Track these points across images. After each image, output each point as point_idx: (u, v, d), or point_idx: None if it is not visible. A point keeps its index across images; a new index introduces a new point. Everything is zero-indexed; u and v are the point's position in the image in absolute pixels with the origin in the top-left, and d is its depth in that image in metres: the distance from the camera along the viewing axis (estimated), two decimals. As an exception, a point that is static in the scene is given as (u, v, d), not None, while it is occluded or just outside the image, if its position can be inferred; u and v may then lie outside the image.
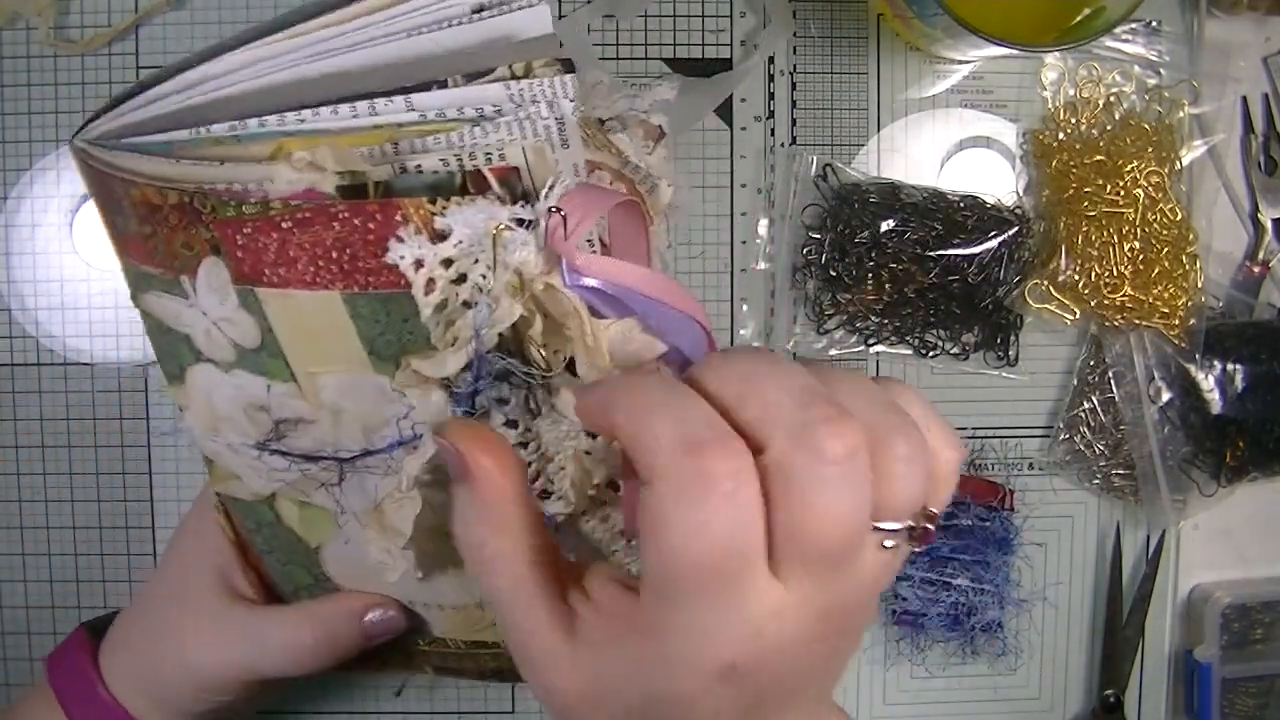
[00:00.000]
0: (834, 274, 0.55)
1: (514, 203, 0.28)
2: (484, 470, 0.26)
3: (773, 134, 0.56)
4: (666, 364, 0.32)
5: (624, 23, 0.55)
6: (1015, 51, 0.47)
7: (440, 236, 0.28)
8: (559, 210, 0.28)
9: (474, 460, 0.26)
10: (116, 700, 0.41)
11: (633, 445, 0.24)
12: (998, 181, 0.57)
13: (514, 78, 0.29)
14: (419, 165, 0.28)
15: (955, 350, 0.57)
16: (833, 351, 0.56)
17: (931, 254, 0.54)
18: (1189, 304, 0.55)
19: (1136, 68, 0.56)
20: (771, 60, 0.56)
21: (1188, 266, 0.55)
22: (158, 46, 0.54)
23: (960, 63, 0.56)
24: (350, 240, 0.29)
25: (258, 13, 0.55)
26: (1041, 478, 0.58)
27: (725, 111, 0.56)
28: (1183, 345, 0.55)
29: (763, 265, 0.56)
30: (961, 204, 0.55)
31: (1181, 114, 0.56)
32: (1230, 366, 0.55)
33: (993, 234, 0.55)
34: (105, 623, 0.44)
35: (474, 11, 0.29)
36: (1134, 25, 0.56)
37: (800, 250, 0.56)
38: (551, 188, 0.28)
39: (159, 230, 0.31)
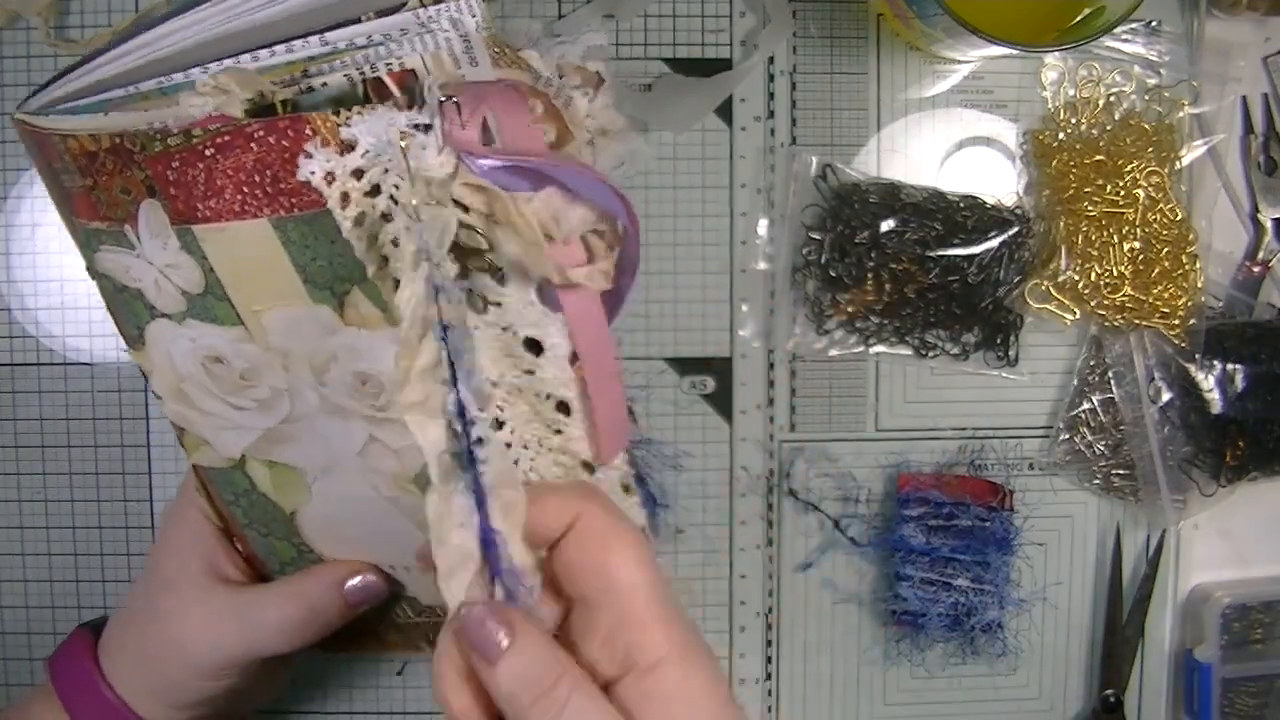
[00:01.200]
0: (834, 274, 0.55)
1: (412, 107, 0.30)
2: (525, 623, 0.29)
3: (773, 134, 0.56)
4: (600, 219, 0.33)
5: (624, 23, 0.55)
6: (1015, 51, 0.47)
7: (348, 147, 0.30)
8: (451, 99, 0.28)
9: (519, 622, 0.29)
10: (119, 697, 0.41)
11: None
12: (998, 181, 0.57)
13: (422, 5, 0.30)
14: (325, 82, 0.30)
15: (955, 350, 0.57)
16: (833, 351, 0.56)
17: (931, 254, 0.54)
18: (1189, 304, 0.55)
19: (1136, 68, 0.56)
20: (771, 60, 0.56)
21: (1188, 266, 0.55)
22: (158, 46, 0.54)
23: (960, 63, 0.56)
24: (269, 161, 0.30)
25: (258, 13, 0.55)
26: (1041, 478, 0.58)
27: (725, 111, 0.56)
28: (1183, 345, 0.55)
29: (763, 265, 0.56)
30: (961, 204, 0.55)
31: (1181, 114, 0.56)
32: (1230, 366, 0.55)
33: (993, 234, 0.55)
34: (103, 622, 0.44)
35: None
36: (1134, 25, 0.56)
37: (800, 250, 0.56)
38: (437, 84, 0.29)
39: (99, 179, 0.32)
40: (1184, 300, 0.55)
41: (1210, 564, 0.59)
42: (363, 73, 0.30)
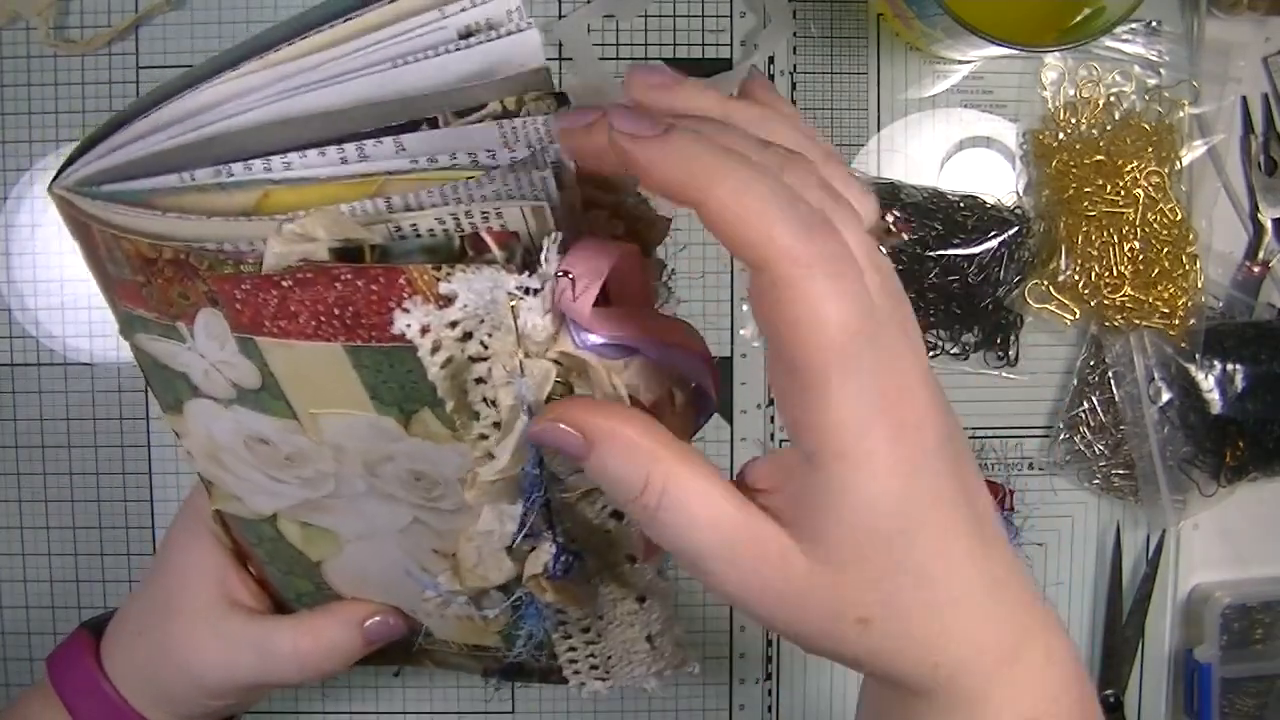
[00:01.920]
0: (834, 274, 0.55)
1: (518, 269, 0.28)
2: (612, 427, 0.26)
3: (773, 134, 0.56)
4: (687, 400, 0.31)
5: (624, 23, 0.55)
6: (1015, 51, 0.47)
7: (446, 301, 0.28)
8: (567, 274, 0.27)
9: (598, 424, 0.26)
10: (122, 696, 0.41)
11: (740, 230, 0.23)
12: (998, 181, 0.57)
13: (506, 114, 0.28)
14: (414, 224, 0.28)
15: (955, 350, 0.57)
16: (833, 351, 0.56)
17: (931, 254, 0.54)
18: (1189, 304, 0.55)
19: (1136, 68, 0.56)
20: (771, 60, 0.56)
21: (1188, 266, 0.55)
22: (158, 46, 0.54)
23: (960, 63, 0.56)
24: (353, 299, 0.28)
25: (257, 13, 0.55)
26: (1041, 478, 0.58)
27: (725, 111, 0.56)
28: (1183, 345, 0.55)
29: (763, 265, 0.56)
30: (961, 204, 0.55)
31: (1181, 114, 0.56)
32: (1230, 366, 0.55)
33: (993, 234, 0.55)
34: (103, 621, 0.44)
35: (461, 37, 0.28)
36: (1134, 25, 0.56)
37: (800, 250, 0.55)
38: (553, 247, 0.27)
39: (153, 280, 0.31)
40: (1184, 300, 0.55)
41: (1210, 564, 0.59)
42: (456, 217, 0.27)
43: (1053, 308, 0.56)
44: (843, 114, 0.56)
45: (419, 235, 0.28)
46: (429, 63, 0.28)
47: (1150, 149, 0.55)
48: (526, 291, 0.28)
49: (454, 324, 0.28)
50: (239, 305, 0.30)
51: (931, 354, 0.56)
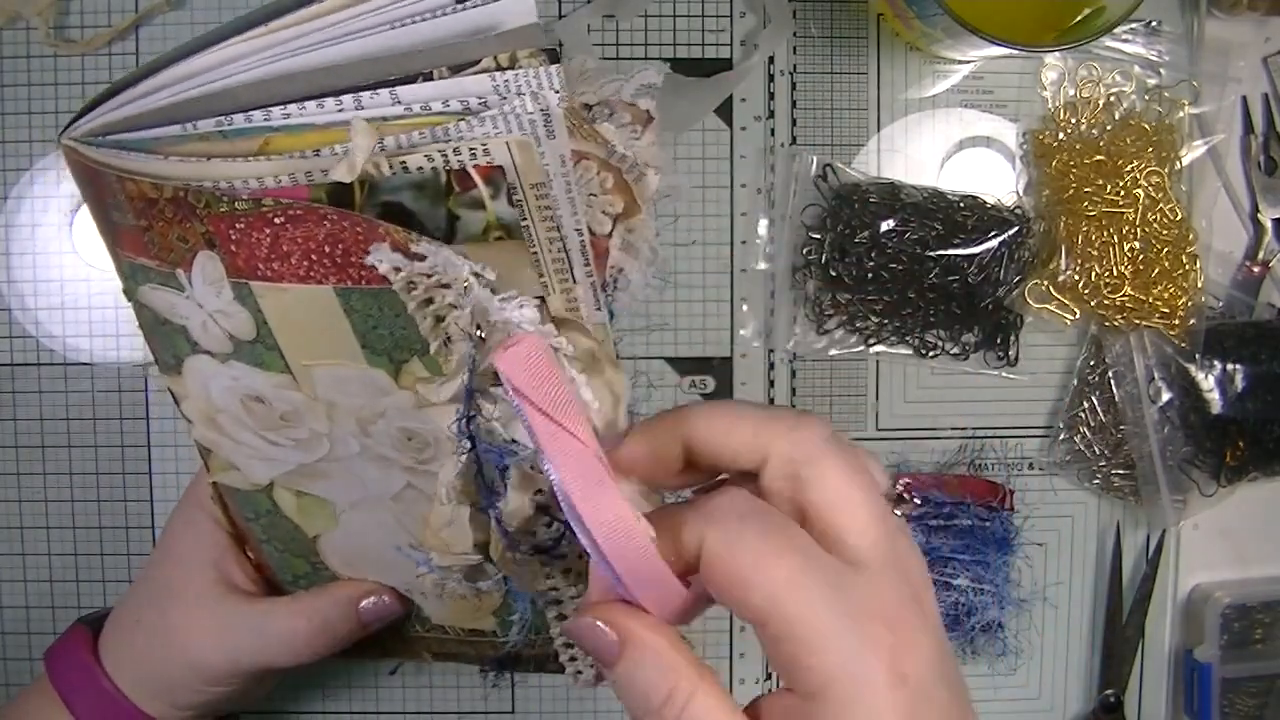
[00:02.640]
0: (834, 274, 0.55)
1: (508, 201, 0.29)
2: (645, 635, 0.27)
3: (773, 134, 0.56)
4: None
5: (624, 23, 0.55)
6: (1015, 51, 0.47)
7: (419, 258, 0.29)
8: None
9: (632, 628, 0.27)
10: (119, 690, 0.41)
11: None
12: (998, 181, 0.57)
13: (499, 69, 0.29)
14: (404, 163, 0.29)
15: (955, 350, 0.57)
16: (833, 351, 0.56)
17: (931, 254, 0.54)
18: (1189, 304, 0.55)
19: (1136, 68, 0.56)
20: (771, 60, 0.56)
21: (1188, 266, 0.55)
22: (158, 47, 0.54)
23: (960, 63, 0.56)
24: (342, 237, 0.29)
25: (258, 13, 0.55)
26: (1041, 478, 0.58)
27: (725, 111, 0.56)
28: (1183, 345, 0.55)
29: (763, 265, 0.56)
30: (961, 204, 0.55)
31: (1181, 114, 0.56)
32: (1230, 366, 0.55)
33: (993, 234, 0.55)
34: (101, 617, 0.44)
35: (457, 1, 0.29)
36: (1134, 25, 0.56)
37: (800, 250, 0.56)
38: (507, 306, 0.29)
39: (154, 224, 0.31)
40: (1184, 300, 0.55)
41: (1210, 564, 0.59)
42: (445, 155, 0.28)
43: (1053, 308, 0.56)
44: (843, 114, 0.56)
45: (408, 171, 0.29)
46: (426, 23, 0.29)
47: (1150, 149, 0.55)
48: (479, 278, 0.29)
49: (429, 275, 0.29)
50: (234, 246, 0.31)
51: (931, 354, 0.56)
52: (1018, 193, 0.57)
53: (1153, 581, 0.58)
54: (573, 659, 0.42)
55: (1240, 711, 0.58)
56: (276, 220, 0.30)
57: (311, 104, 0.29)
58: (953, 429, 0.57)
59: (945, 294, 0.55)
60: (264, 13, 0.30)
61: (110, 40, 0.54)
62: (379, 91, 0.28)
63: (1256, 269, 0.57)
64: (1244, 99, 0.57)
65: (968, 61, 0.56)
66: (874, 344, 0.56)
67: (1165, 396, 0.56)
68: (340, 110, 0.29)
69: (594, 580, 0.29)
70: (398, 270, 0.29)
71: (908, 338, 0.56)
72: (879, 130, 0.57)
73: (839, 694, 0.25)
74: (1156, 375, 0.56)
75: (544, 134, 0.28)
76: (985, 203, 0.56)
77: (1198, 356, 0.55)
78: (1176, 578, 0.59)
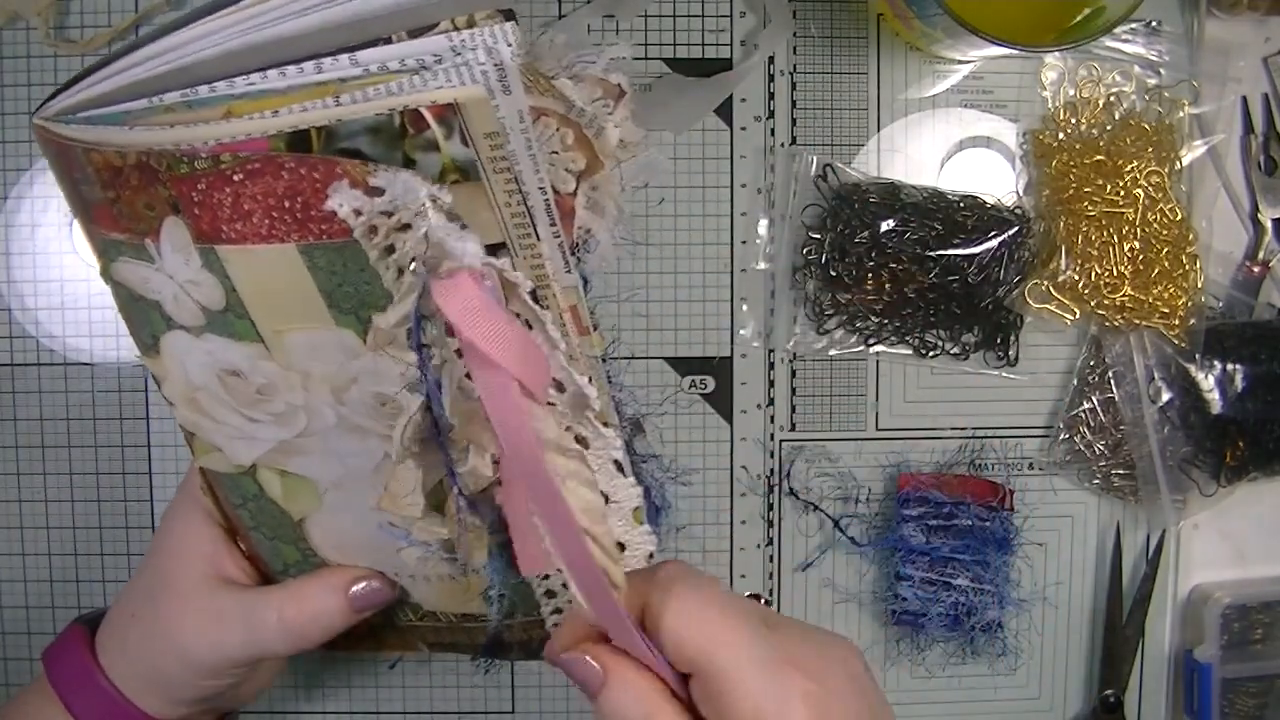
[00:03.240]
0: (834, 274, 0.55)
1: (461, 141, 0.29)
2: (627, 672, 0.31)
3: (773, 134, 0.56)
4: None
5: (624, 23, 0.55)
6: (1015, 51, 0.47)
7: (377, 191, 0.30)
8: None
9: (616, 665, 0.31)
10: (116, 689, 0.41)
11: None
12: (998, 181, 0.57)
13: (455, 29, 0.29)
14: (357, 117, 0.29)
15: (955, 350, 0.57)
16: (833, 351, 0.56)
17: (931, 254, 0.54)
18: (1189, 304, 0.55)
19: (1136, 68, 0.56)
20: (771, 60, 0.56)
21: (1188, 266, 0.55)
22: (158, 46, 0.54)
23: (960, 63, 0.56)
24: (300, 189, 0.30)
25: (258, 13, 0.55)
26: (1041, 478, 0.58)
27: (725, 111, 0.56)
28: (1183, 345, 0.55)
29: (763, 265, 0.56)
30: (961, 204, 0.55)
31: (1181, 114, 0.56)
32: (1230, 366, 0.55)
33: (993, 234, 0.55)
34: (98, 616, 0.44)
35: None
36: (1134, 25, 0.56)
37: (800, 250, 0.56)
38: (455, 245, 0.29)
39: (121, 193, 0.32)
40: (1184, 300, 0.55)
41: (1210, 564, 0.59)
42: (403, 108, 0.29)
43: (1053, 308, 0.56)
44: (843, 114, 0.56)
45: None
46: None
47: (1150, 149, 0.55)
48: (436, 203, 0.30)
49: (390, 213, 0.30)
50: (197, 210, 0.31)
51: (931, 354, 0.56)
52: (1018, 193, 0.57)
53: (1153, 581, 0.58)
54: None
55: (1240, 711, 0.58)
56: (235, 177, 0.30)
57: (273, 71, 0.30)
58: (953, 429, 0.57)
59: (945, 294, 0.55)
60: None
61: (110, 40, 0.54)
62: (339, 57, 0.30)
63: (1256, 269, 0.57)
64: (1244, 99, 0.57)
65: (968, 61, 0.56)
66: (874, 344, 0.56)
67: (1165, 396, 0.56)
68: (301, 74, 0.30)
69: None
70: (358, 213, 0.30)
71: (908, 338, 0.56)
72: (879, 130, 0.57)
73: None
74: (1156, 375, 0.56)
75: (499, 88, 0.29)
76: (985, 203, 0.56)
77: (1198, 356, 0.55)
78: (1176, 578, 0.59)
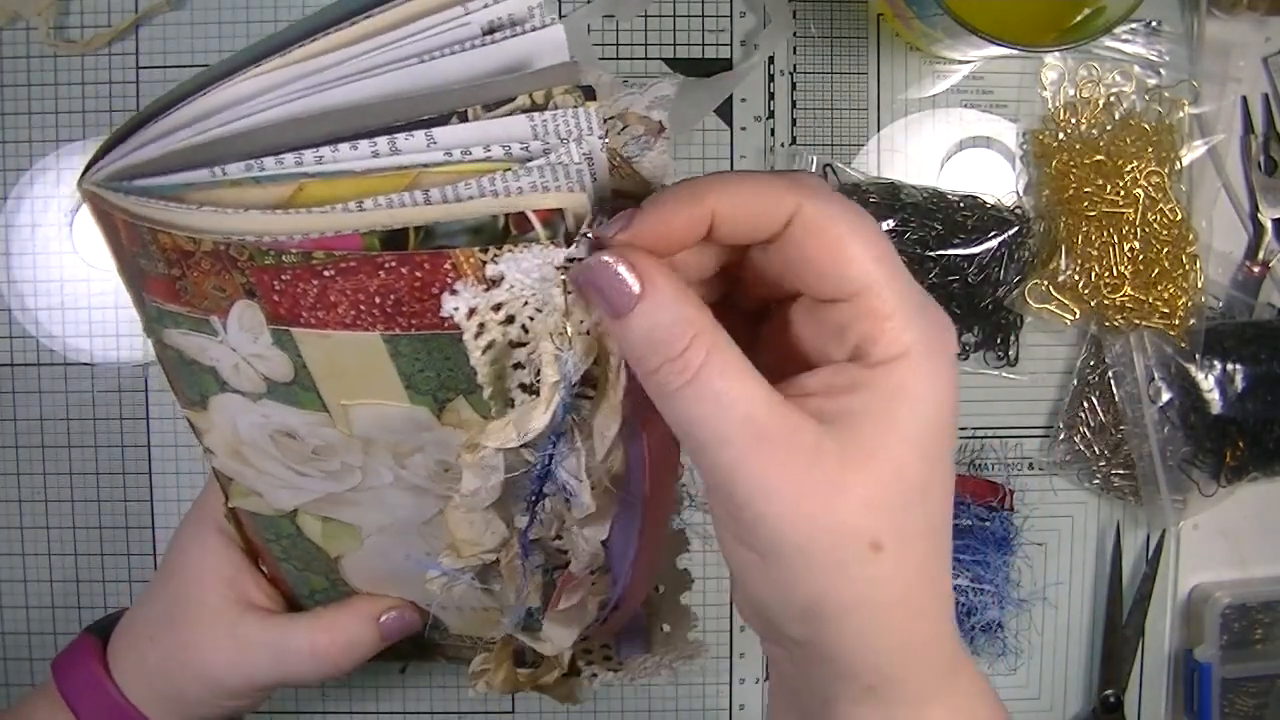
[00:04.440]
0: (834, 274, 0.55)
1: (566, 244, 0.28)
2: (668, 281, 0.26)
3: (773, 134, 0.56)
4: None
5: (624, 23, 0.55)
6: (1015, 51, 0.47)
7: (492, 283, 0.28)
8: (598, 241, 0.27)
9: (654, 272, 0.25)
10: (129, 702, 0.41)
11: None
12: (998, 181, 0.57)
13: (535, 107, 0.28)
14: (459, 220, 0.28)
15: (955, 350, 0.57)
16: (833, 351, 0.56)
17: (931, 254, 0.54)
18: (1189, 304, 0.55)
19: (1136, 68, 0.56)
20: (771, 60, 0.56)
21: (1188, 266, 0.55)
22: (158, 46, 0.54)
23: (960, 63, 0.56)
24: (395, 287, 0.29)
25: (257, 13, 0.55)
26: (1041, 478, 0.58)
27: (725, 111, 0.56)
28: (1183, 345, 0.55)
29: (763, 265, 0.56)
30: (961, 204, 0.55)
31: (1181, 114, 0.56)
32: (1230, 366, 0.55)
33: (993, 234, 0.55)
34: (108, 624, 0.44)
35: (486, 33, 0.28)
36: (1134, 25, 0.56)
37: (800, 250, 0.55)
38: (591, 223, 0.28)
39: (188, 274, 0.30)
40: (1184, 300, 0.55)
41: (1210, 564, 0.59)
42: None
43: (1053, 308, 0.56)
44: (843, 114, 0.56)
45: (462, 220, 0.28)
46: (455, 58, 0.28)
47: (1150, 149, 0.55)
48: (574, 262, 0.28)
49: (499, 306, 0.29)
50: (276, 296, 0.30)
51: (931, 354, 0.56)
52: (1018, 193, 0.57)
53: (1152, 581, 0.58)
54: (590, 662, 0.42)
55: (1240, 711, 0.58)
56: (326, 273, 0.28)
57: (345, 146, 0.28)
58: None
59: (945, 294, 0.55)
60: (280, 40, 0.29)
61: (110, 40, 0.54)
62: (413, 133, 0.27)
63: (1256, 269, 0.57)
64: (1244, 99, 0.57)
65: (968, 61, 0.56)
66: (874, 344, 0.56)
67: (1165, 396, 0.56)
68: (375, 154, 0.28)
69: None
70: (472, 314, 0.28)
71: (908, 338, 0.56)
72: (879, 130, 0.57)
73: (915, 361, 0.25)
74: (1156, 375, 0.56)
75: (589, 180, 0.28)
76: (985, 203, 0.56)
77: (1198, 356, 0.55)
78: (1176, 578, 0.59)
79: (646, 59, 0.55)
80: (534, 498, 0.33)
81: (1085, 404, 0.57)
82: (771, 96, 0.56)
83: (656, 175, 0.36)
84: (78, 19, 0.54)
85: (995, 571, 0.55)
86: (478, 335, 0.29)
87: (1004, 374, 0.57)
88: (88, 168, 0.30)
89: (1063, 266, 0.55)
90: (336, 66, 0.28)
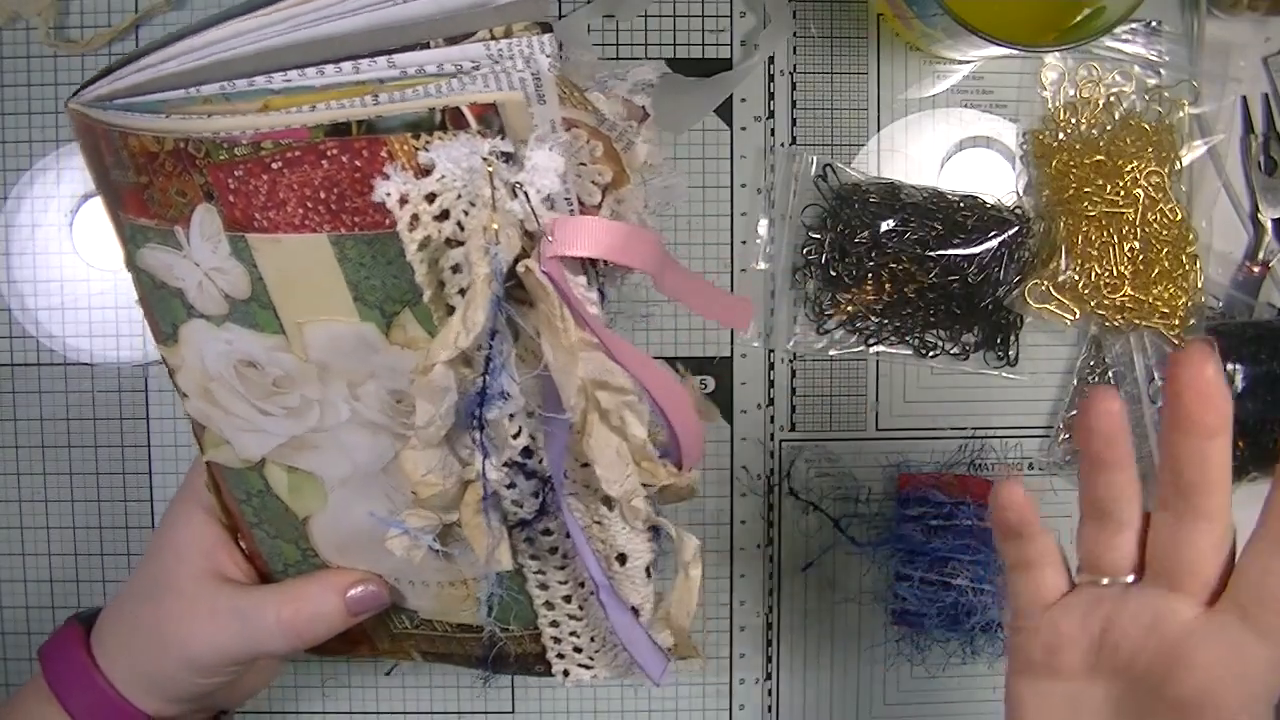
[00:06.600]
0: (834, 274, 0.55)
1: (501, 139, 0.30)
2: None
3: (773, 134, 0.56)
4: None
5: (624, 23, 0.55)
6: (1015, 51, 0.47)
7: (424, 171, 0.30)
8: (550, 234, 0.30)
9: None
10: (112, 686, 0.41)
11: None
12: (998, 181, 0.57)
13: (493, 38, 0.30)
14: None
15: (955, 350, 0.57)
16: (833, 352, 0.56)
17: (931, 254, 0.54)
18: (1189, 304, 0.55)
19: (1136, 68, 0.56)
20: (771, 60, 0.56)
21: (1188, 266, 0.55)
22: (158, 46, 0.54)
23: (960, 63, 0.56)
24: (338, 179, 0.30)
25: (258, 13, 0.55)
26: (1041, 478, 0.58)
27: (725, 111, 0.56)
28: (1183, 345, 0.55)
29: (763, 265, 0.56)
30: (961, 204, 0.55)
31: (1181, 114, 0.56)
32: (1230, 366, 0.55)
33: (993, 234, 0.55)
34: (94, 614, 0.44)
35: None
36: (1134, 25, 0.56)
37: (800, 250, 0.56)
38: (537, 142, 0.29)
39: (155, 179, 0.32)
40: (1184, 300, 0.55)
41: (1210, 564, 0.59)
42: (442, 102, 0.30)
43: (1053, 308, 0.56)
44: (843, 114, 0.56)
45: (404, 112, 0.30)
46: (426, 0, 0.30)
47: (1150, 149, 0.55)
48: (501, 156, 0.29)
49: (432, 197, 0.30)
50: (231, 196, 0.31)
51: (931, 354, 0.57)
52: (1018, 193, 0.57)
53: (1153, 581, 0.58)
54: (560, 655, 0.42)
55: (1240, 711, 0.58)
56: (274, 165, 0.30)
57: (311, 70, 0.30)
58: (952, 429, 0.57)
59: (945, 294, 0.55)
60: None
61: (110, 40, 0.54)
62: (377, 59, 0.30)
63: (1256, 269, 0.57)
64: (1244, 99, 0.57)
65: (968, 61, 0.56)
66: (874, 344, 0.56)
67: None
68: (339, 74, 0.30)
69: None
70: (404, 201, 0.30)
71: (908, 338, 0.56)
72: (879, 130, 0.57)
73: None
74: (1156, 375, 0.56)
75: (535, 96, 0.29)
76: (985, 203, 0.56)
77: (1198, 356, 0.55)
78: (1176, 578, 0.59)
79: (646, 59, 0.55)
80: (479, 423, 0.33)
81: (1085, 404, 0.57)
82: (771, 96, 0.56)
83: (647, 160, 0.37)
84: (78, 19, 0.54)
85: (995, 571, 0.55)
86: (411, 228, 0.30)
87: (1004, 374, 0.57)
88: (76, 92, 0.32)
89: (1063, 266, 0.55)
90: (319, 10, 0.30)
